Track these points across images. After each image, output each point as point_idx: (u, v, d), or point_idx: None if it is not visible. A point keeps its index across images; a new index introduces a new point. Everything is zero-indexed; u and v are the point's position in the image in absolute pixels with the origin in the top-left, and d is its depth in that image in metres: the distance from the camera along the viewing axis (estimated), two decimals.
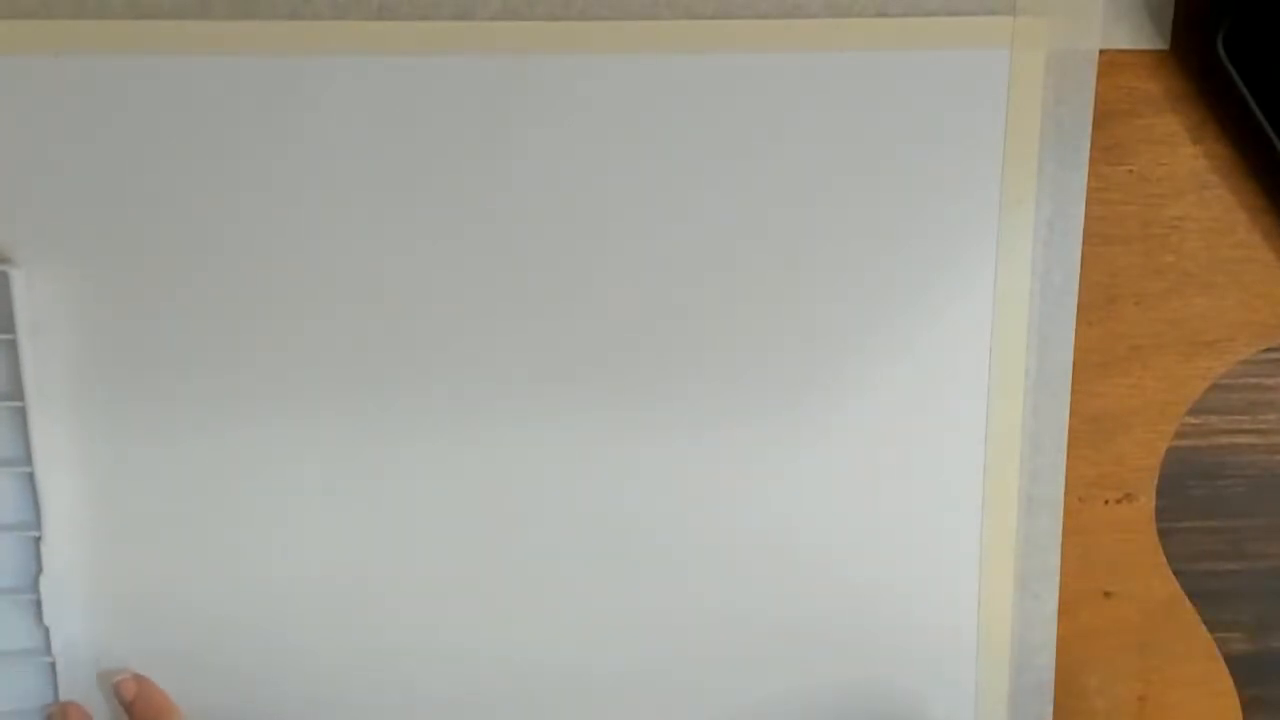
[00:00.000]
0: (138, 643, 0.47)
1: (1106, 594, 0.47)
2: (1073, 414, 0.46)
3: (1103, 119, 0.45)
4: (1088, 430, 0.47)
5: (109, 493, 0.46)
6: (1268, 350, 0.47)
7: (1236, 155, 0.45)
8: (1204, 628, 0.48)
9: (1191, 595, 0.48)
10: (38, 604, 0.46)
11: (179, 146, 0.44)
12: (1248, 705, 0.49)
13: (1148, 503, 0.47)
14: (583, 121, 0.44)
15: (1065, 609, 0.47)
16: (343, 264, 0.45)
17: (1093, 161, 0.45)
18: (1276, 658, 0.49)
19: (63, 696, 0.47)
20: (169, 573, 0.46)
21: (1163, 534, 0.47)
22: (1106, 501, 0.47)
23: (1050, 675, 0.48)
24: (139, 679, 0.45)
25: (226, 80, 0.44)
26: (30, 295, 0.44)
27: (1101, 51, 0.44)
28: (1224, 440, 0.47)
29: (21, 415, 0.45)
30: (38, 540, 0.46)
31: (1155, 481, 0.47)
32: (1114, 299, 0.46)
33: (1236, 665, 0.48)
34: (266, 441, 0.46)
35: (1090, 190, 0.45)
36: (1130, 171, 0.45)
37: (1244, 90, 0.43)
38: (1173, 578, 0.48)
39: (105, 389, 0.45)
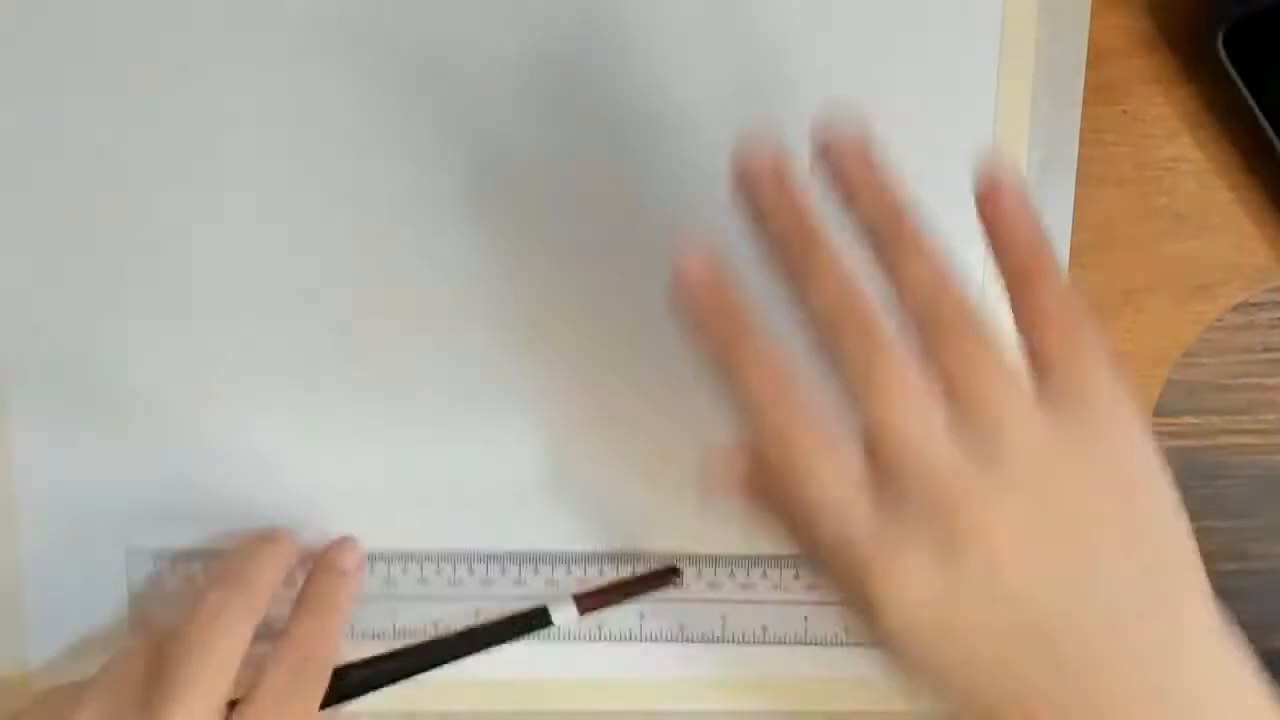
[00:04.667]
0: None
1: None
2: None
3: (1096, 58, 0.44)
4: None
5: None
6: (1267, 350, 0.46)
7: (1231, 95, 0.44)
8: None
9: None
10: None
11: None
12: None
13: None
14: (562, 14, 0.43)
15: None
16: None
17: (1085, 102, 0.44)
18: (1277, 657, 0.48)
19: None
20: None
21: None
22: None
23: None
24: None
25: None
26: None
27: None
28: (1224, 440, 0.47)
29: None
30: None
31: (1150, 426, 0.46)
32: (1106, 242, 0.45)
33: None
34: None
35: (1082, 131, 0.45)
36: (1124, 112, 0.45)
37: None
38: None
39: None
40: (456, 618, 0.46)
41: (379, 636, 0.46)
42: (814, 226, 0.34)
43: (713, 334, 0.34)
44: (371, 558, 0.46)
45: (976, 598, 0.32)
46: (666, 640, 0.47)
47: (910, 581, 0.32)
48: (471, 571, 0.46)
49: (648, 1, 0.43)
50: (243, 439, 0.46)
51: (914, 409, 0.32)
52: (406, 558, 0.46)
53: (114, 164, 0.44)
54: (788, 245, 0.34)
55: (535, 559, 0.46)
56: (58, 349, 0.45)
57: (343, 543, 0.46)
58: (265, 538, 0.45)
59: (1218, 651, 0.35)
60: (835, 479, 0.33)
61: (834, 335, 0.33)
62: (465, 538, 0.47)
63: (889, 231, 0.34)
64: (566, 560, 0.46)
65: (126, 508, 0.46)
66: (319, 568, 0.45)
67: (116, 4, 0.43)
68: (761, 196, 0.35)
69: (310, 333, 0.45)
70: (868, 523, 0.32)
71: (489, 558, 0.46)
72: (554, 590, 0.46)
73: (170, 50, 0.43)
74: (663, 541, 0.47)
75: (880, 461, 0.32)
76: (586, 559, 0.46)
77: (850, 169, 0.34)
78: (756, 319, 0.34)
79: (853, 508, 0.32)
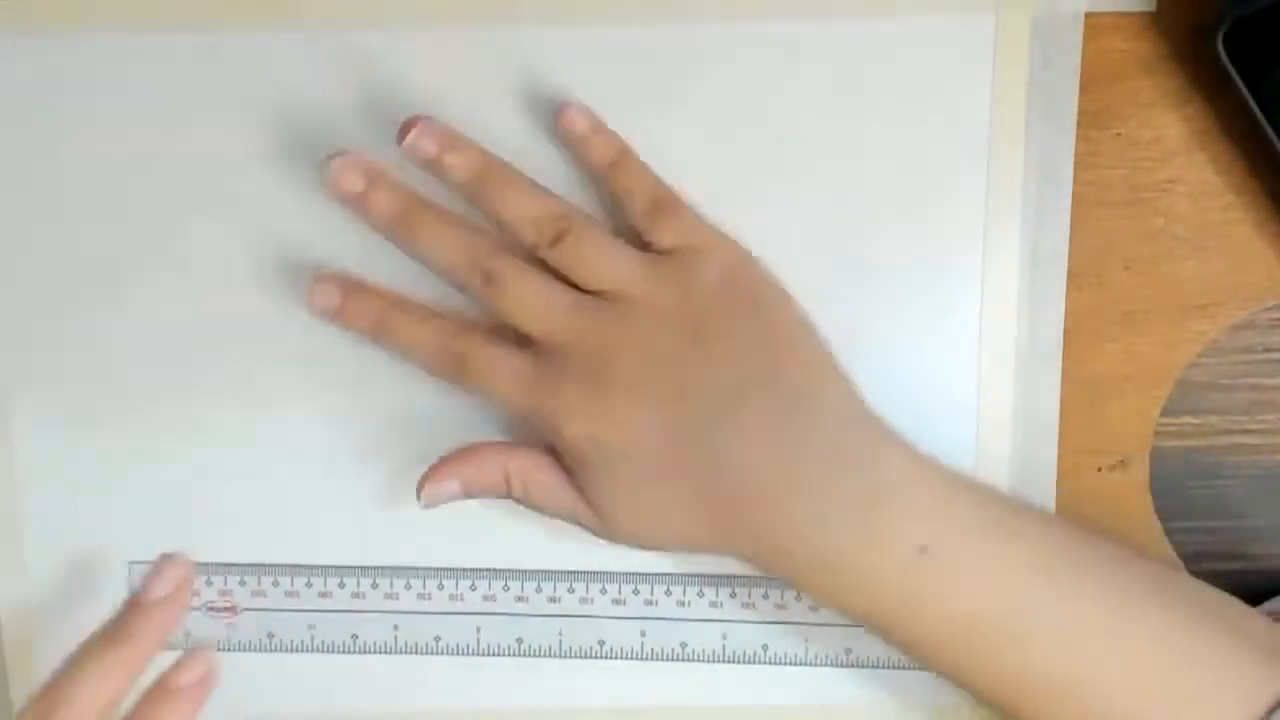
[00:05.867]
0: None
1: None
2: (1064, 381, 0.46)
3: (1089, 83, 0.45)
4: (1080, 397, 0.46)
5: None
6: (1267, 351, 0.46)
7: (1224, 116, 0.45)
8: None
9: None
10: None
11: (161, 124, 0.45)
12: None
13: (1141, 469, 0.46)
14: (562, 94, 0.45)
15: None
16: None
17: (1080, 126, 0.45)
18: None
19: None
20: None
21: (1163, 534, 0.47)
22: (1100, 469, 0.46)
23: None
24: None
25: (234, 54, 0.45)
26: None
27: (1087, 14, 0.45)
28: (1224, 440, 0.47)
29: None
30: None
31: (1149, 448, 0.46)
32: (1104, 265, 0.46)
33: None
34: None
35: (1077, 155, 0.45)
36: (1118, 135, 0.45)
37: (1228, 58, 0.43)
38: (1169, 544, 0.47)
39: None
40: (457, 633, 0.47)
41: (383, 651, 0.47)
42: (419, 205, 0.43)
43: (365, 323, 0.43)
44: (373, 573, 0.47)
45: (622, 404, 0.41)
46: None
47: (572, 405, 0.41)
48: (474, 588, 0.47)
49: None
50: (244, 456, 0.47)
51: (533, 291, 0.41)
52: (409, 573, 0.47)
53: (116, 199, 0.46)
54: (398, 225, 0.43)
55: (537, 576, 0.47)
56: (61, 368, 0.46)
57: (192, 655, 0.40)
58: (161, 588, 0.41)
59: (852, 414, 0.42)
60: (506, 375, 0.42)
61: (461, 272, 0.42)
62: (466, 554, 0.47)
63: (491, 180, 0.42)
64: (569, 578, 0.47)
65: (129, 524, 0.47)
66: (156, 690, 0.39)
67: None
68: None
69: (314, 353, 0.46)
70: (537, 385, 0.41)
71: (490, 573, 0.47)
72: (555, 607, 0.47)
73: None
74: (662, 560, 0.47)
75: (529, 339, 0.41)
76: (589, 577, 0.47)
77: (438, 148, 0.42)
78: (394, 298, 0.44)
79: (522, 383, 0.41)
